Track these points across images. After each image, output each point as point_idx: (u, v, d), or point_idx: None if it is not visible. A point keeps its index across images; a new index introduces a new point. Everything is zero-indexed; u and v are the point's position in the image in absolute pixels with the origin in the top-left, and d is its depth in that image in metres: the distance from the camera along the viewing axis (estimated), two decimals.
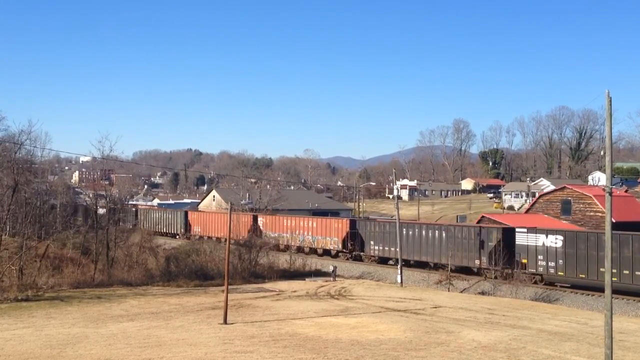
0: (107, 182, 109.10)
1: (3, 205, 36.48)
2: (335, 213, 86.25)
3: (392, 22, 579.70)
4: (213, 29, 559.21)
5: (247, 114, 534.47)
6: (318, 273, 45.49)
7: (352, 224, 53.64)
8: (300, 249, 57.18)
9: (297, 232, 58.35)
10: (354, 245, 52.57)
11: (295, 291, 36.03)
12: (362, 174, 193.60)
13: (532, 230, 40.47)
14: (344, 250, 53.35)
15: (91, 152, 65.96)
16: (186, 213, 74.59)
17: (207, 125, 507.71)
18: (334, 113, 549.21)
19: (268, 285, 38.31)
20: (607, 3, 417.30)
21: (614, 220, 18.28)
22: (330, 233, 54.89)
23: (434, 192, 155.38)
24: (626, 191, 73.00)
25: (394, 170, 57.73)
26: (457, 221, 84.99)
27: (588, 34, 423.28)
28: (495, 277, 40.08)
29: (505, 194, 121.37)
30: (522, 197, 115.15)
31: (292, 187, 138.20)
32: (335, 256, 54.17)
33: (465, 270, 43.63)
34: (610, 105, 15.99)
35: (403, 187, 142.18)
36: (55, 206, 60.59)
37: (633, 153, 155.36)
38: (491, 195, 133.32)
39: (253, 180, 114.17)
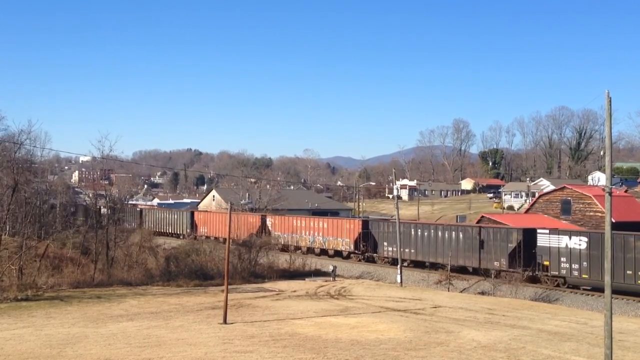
0: (106, 182, 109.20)
1: (3, 205, 36.49)
2: (334, 213, 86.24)
3: (392, 22, 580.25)
4: (213, 29, 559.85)
5: (246, 114, 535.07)
6: (318, 273, 45.48)
7: (365, 224, 52.30)
8: (310, 250, 56.44)
9: (307, 233, 57.18)
10: (366, 246, 51.26)
11: (295, 291, 36.03)
12: (362, 174, 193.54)
13: (555, 231, 39.39)
14: (356, 252, 52.06)
15: (91, 152, 65.86)
16: (192, 213, 73.26)
17: (207, 125, 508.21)
18: (334, 113, 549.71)
19: (268, 285, 38.32)
20: (607, 3, 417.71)
21: (613, 221, 18.28)
22: (342, 234, 53.68)
23: (433, 192, 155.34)
24: (626, 191, 73.01)
25: (393, 170, 57.90)
26: (457, 221, 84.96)
27: (588, 34, 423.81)
28: (516, 280, 38.99)
29: (505, 194, 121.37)
30: (521, 197, 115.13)
31: (292, 187, 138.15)
32: (347, 257, 53.13)
33: (485, 273, 41.36)
34: (610, 105, 15.99)
35: (403, 187, 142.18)
36: (55, 206, 60.60)
37: (633, 153, 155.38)
38: (491, 195, 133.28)
39: (253, 180, 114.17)
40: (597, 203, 57.09)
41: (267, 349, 19.62)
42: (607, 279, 16.62)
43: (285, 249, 56.33)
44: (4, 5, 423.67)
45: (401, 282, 40.86)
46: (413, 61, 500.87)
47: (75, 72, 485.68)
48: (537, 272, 39.06)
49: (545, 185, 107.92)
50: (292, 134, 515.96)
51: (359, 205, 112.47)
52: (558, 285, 38.06)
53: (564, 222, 57.38)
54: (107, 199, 46.72)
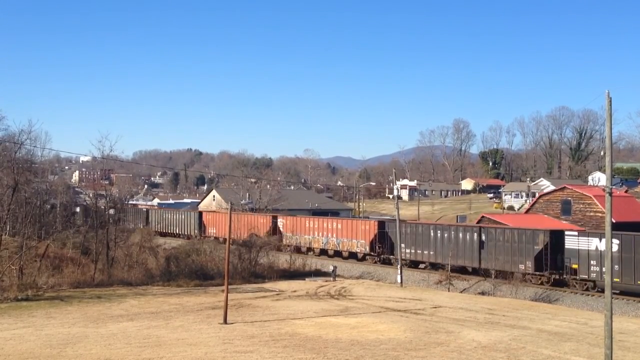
0: (107, 182, 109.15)
1: (3, 205, 36.49)
2: (335, 213, 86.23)
3: (392, 22, 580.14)
4: (213, 29, 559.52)
5: (247, 114, 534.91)
6: (318, 273, 45.48)
7: (381, 225, 50.80)
8: (323, 252, 55.37)
9: (320, 234, 55.75)
10: (382, 248, 49.63)
11: (295, 291, 36.04)
12: (362, 174, 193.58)
13: (584, 233, 38.06)
14: (372, 254, 50.54)
15: (91, 151, 65.77)
16: (200, 214, 71.79)
17: (207, 125, 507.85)
18: (334, 113, 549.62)
19: (268, 285, 38.32)
20: (607, 3, 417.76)
21: (614, 221, 18.27)
22: (357, 235, 52.12)
23: (433, 192, 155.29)
24: (626, 191, 73.06)
25: (394, 170, 57.74)
26: (457, 221, 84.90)
27: (588, 34, 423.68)
28: (542, 283, 38.46)
29: (505, 194, 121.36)
30: (522, 197, 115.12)
31: (292, 187, 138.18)
32: (362, 259, 51.84)
33: (508, 276, 40.29)
34: (610, 105, 16.00)
35: (403, 187, 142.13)
36: (56, 206, 60.64)
37: (633, 153, 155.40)
38: (491, 195, 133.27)
39: (253, 180, 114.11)
40: (598, 203, 57.08)
41: (267, 349, 19.63)
42: (607, 279, 16.63)
43: (297, 250, 55.84)
44: (4, 5, 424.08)
45: (401, 282, 40.87)
46: (413, 61, 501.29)
47: (75, 72, 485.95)
48: (564, 276, 37.83)
49: (546, 185, 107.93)
50: (292, 134, 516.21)
51: (359, 205, 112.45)
52: (587, 289, 36.60)
53: (564, 222, 57.38)
54: (108, 199, 46.70)
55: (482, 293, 39.30)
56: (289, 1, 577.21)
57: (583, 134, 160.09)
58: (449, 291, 39.63)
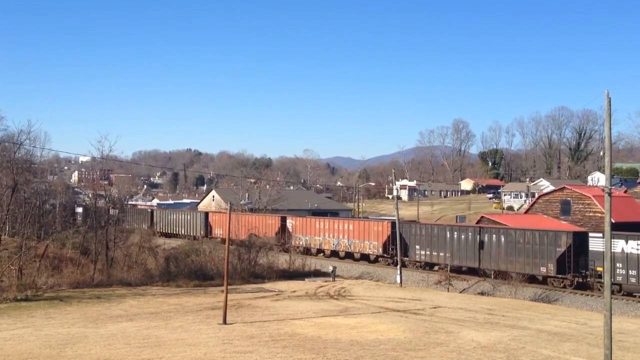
0: (106, 182, 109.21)
1: (2, 205, 36.51)
2: (334, 213, 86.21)
3: (392, 22, 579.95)
4: (213, 29, 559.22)
5: (246, 114, 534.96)
6: (317, 273, 45.46)
7: (394, 226, 47.91)
8: (334, 253, 54.64)
9: (330, 235, 54.85)
10: (395, 249, 47.26)
11: (294, 291, 36.03)
12: (362, 174, 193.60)
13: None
14: (385, 255, 49.70)
15: (90, 152, 65.44)
16: (206, 214, 70.35)
17: (207, 125, 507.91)
18: (333, 113, 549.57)
19: (267, 286, 38.31)
20: (607, 3, 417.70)
21: (613, 221, 18.30)
22: (369, 236, 51.06)
23: (433, 192, 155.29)
24: (625, 192, 73.15)
25: (393, 171, 57.69)
26: (456, 221, 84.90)
27: (588, 34, 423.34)
28: (564, 287, 37.72)
29: (505, 195, 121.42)
30: (521, 197, 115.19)
31: (292, 187, 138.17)
32: (375, 261, 51.29)
33: (530, 279, 39.84)
34: (610, 105, 16.00)
35: (402, 187, 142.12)
36: (55, 206, 60.63)
37: (632, 153, 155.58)
38: (490, 195, 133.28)
39: (252, 180, 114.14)
40: (597, 203, 57.12)
41: (266, 349, 19.63)
42: (607, 279, 16.62)
43: (306, 251, 55.53)
44: (4, 5, 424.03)
45: (401, 282, 40.88)
46: (413, 61, 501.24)
47: (74, 72, 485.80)
48: (588, 279, 37.00)
49: (545, 185, 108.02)
50: (292, 134, 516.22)
51: (358, 205, 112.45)
52: (612, 293, 36.31)
53: (564, 222, 57.42)
54: (107, 199, 46.69)
55: (482, 293, 39.31)
56: (289, 1, 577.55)
57: (582, 134, 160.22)
58: (448, 291, 39.65)
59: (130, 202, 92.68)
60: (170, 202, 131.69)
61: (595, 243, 36.60)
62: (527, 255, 39.83)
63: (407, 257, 47.63)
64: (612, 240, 35.13)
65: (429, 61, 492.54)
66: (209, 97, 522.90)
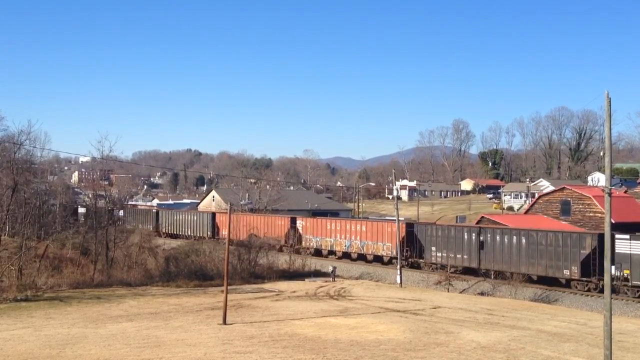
0: (106, 183, 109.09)
1: (2, 205, 36.52)
2: (334, 213, 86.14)
3: (392, 22, 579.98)
4: (213, 29, 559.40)
5: (246, 114, 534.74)
6: (317, 273, 45.46)
7: (409, 227, 48.67)
8: (346, 255, 53.67)
9: (342, 237, 53.72)
10: (410, 251, 47.44)
11: (294, 291, 36.03)
12: (362, 175, 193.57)
13: (636, 237, 35.25)
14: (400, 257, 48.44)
15: (90, 152, 65.68)
16: (213, 215, 68.78)
17: (207, 126, 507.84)
18: (334, 113, 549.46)
19: (267, 286, 38.32)
20: (607, 3, 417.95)
21: (613, 221, 18.30)
22: (383, 238, 49.77)
23: (433, 192, 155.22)
24: (625, 192, 73.09)
25: (393, 171, 57.76)
26: (456, 221, 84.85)
27: (588, 34, 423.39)
28: (589, 290, 36.46)
29: (505, 195, 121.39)
30: (521, 197, 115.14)
31: (292, 188, 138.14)
32: (388, 263, 49.17)
33: (552, 282, 38.95)
34: (610, 105, 16.01)
35: (402, 187, 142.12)
36: (55, 206, 60.61)
37: (632, 154, 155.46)
38: (490, 195, 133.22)
39: (252, 180, 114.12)
40: (597, 204, 57.09)
41: (266, 349, 19.64)
42: (607, 279, 16.63)
43: (317, 253, 55.04)
44: (4, 5, 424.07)
45: (401, 282, 40.88)
46: (413, 61, 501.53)
47: (74, 72, 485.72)
48: (615, 283, 34.37)
49: (545, 185, 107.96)
50: (292, 134, 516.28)
51: (358, 205, 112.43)
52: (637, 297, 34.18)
53: (564, 222, 57.41)
54: (107, 199, 46.68)
55: (482, 293, 39.31)
56: (289, 1, 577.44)
57: (582, 135, 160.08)
58: (448, 292, 39.65)
59: (130, 203, 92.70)
60: (171, 202, 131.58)
61: (622, 245, 34.94)
62: (550, 257, 38.51)
63: (422, 259, 46.63)
64: (632, 241, 35.08)
65: (429, 61, 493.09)
66: (209, 97, 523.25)
